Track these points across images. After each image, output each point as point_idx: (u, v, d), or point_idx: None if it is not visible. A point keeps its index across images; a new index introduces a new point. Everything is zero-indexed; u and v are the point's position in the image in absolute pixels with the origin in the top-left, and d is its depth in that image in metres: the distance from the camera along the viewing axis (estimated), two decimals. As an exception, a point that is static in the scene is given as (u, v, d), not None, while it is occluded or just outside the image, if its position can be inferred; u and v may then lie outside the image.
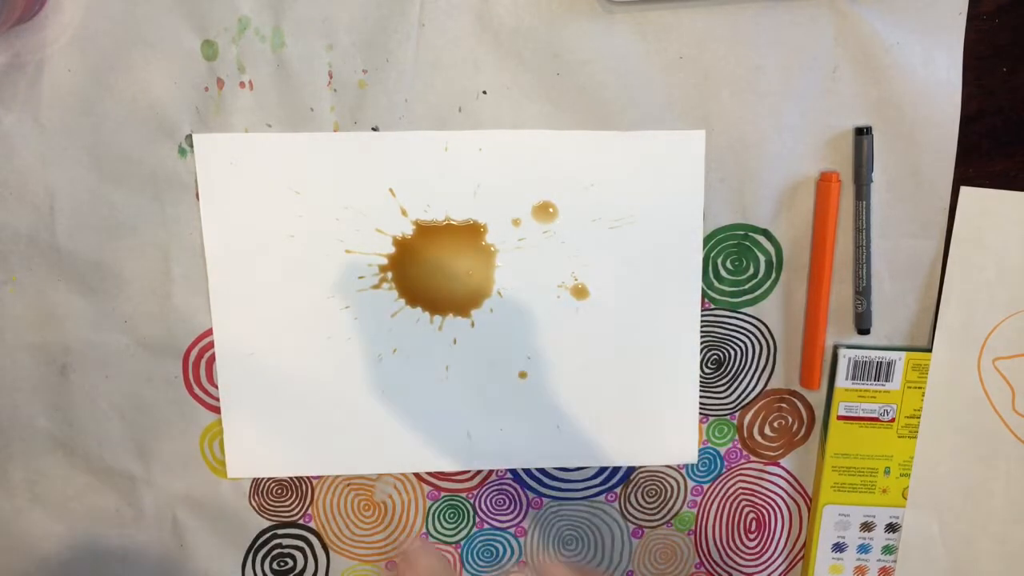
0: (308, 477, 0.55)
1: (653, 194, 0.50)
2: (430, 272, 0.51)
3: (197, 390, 0.53)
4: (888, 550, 0.56)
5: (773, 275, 0.52)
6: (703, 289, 0.52)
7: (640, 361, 0.53)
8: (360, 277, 0.51)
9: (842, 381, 0.53)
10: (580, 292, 0.52)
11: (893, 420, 0.54)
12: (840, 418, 0.54)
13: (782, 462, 0.56)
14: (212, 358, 0.52)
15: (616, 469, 0.55)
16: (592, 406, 0.54)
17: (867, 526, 0.56)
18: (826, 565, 0.57)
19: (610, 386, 0.53)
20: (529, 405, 0.54)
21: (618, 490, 0.56)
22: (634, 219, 0.51)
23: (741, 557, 0.58)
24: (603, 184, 0.50)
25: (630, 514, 0.56)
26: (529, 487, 0.56)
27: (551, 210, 0.51)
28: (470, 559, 0.57)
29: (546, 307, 0.52)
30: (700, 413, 0.54)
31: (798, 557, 0.58)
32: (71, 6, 0.47)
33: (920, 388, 0.53)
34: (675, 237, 0.51)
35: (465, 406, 0.54)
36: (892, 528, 0.56)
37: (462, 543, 0.57)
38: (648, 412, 0.54)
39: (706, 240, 0.51)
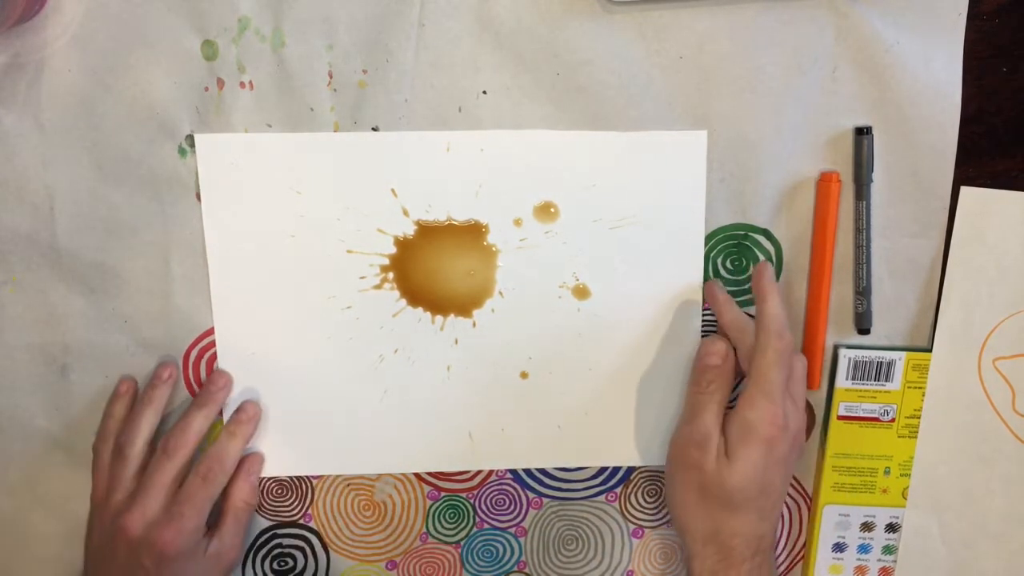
0: (308, 477, 0.55)
1: (655, 194, 0.50)
2: (431, 272, 0.51)
3: (197, 390, 0.53)
4: (888, 550, 0.56)
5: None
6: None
7: (642, 361, 0.53)
8: (361, 277, 0.51)
9: (842, 381, 0.53)
10: (582, 292, 0.52)
11: (893, 420, 0.54)
12: (840, 418, 0.54)
13: (782, 462, 0.56)
14: (212, 358, 0.52)
15: (616, 469, 0.55)
16: (594, 406, 0.54)
17: (867, 526, 0.56)
18: (826, 565, 0.57)
19: (612, 386, 0.53)
20: (531, 405, 0.54)
21: (618, 490, 0.56)
22: (636, 219, 0.51)
23: (741, 557, 0.58)
24: (605, 184, 0.50)
25: (630, 514, 0.56)
26: (529, 487, 0.56)
27: (552, 210, 0.51)
28: (470, 559, 0.57)
29: (548, 307, 0.52)
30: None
31: (798, 557, 0.58)
32: (71, 6, 0.47)
33: (920, 388, 0.53)
34: (677, 237, 0.51)
35: (467, 406, 0.54)
36: (892, 528, 0.56)
37: (462, 543, 0.57)
38: (650, 412, 0.54)
39: (706, 240, 0.51)
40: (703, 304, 0.52)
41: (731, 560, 0.47)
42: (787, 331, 0.47)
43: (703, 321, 0.52)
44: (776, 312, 0.47)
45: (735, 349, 0.49)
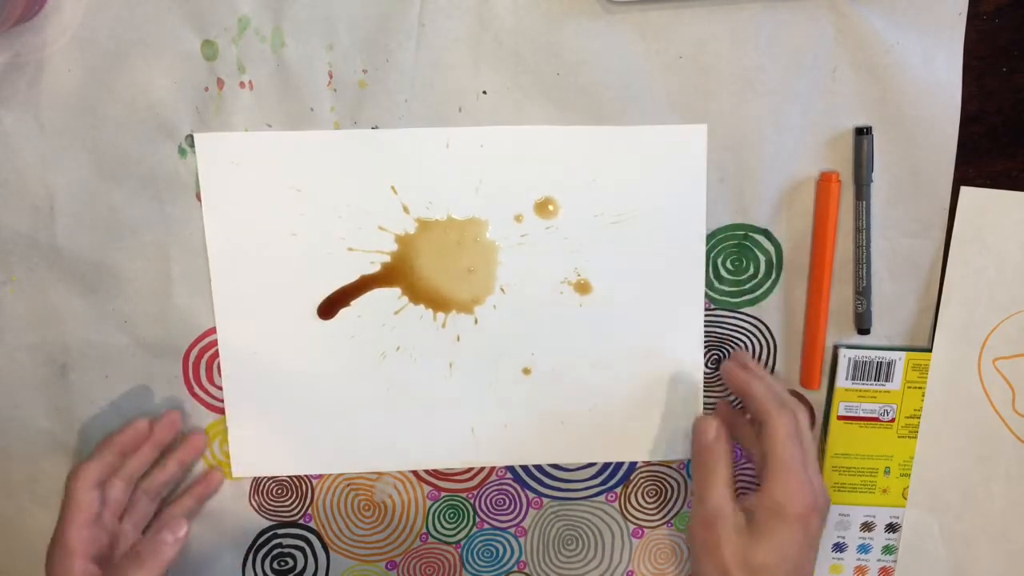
0: (308, 477, 0.55)
1: (655, 188, 0.50)
2: (433, 269, 0.51)
3: (197, 390, 0.53)
4: (888, 550, 0.56)
5: (773, 275, 0.52)
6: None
7: (644, 358, 0.53)
8: (362, 275, 0.51)
9: (842, 381, 0.53)
10: (583, 288, 0.52)
11: (893, 420, 0.54)
12: (840, 418, 0.54)
13: (782, 462, 0.56)
14: (212, 358, 0.52)
15: (616, 469, 0.55)
16: (596, 403, 0.54)
17: (867, 526, 0.56)
18: (826, 565, 0.57)
19: (615, 382, 0.53)
20: (534, 401, 0.53)
21: (618, 490, 0.56)
22: (636, 214, 0.51)
23: (741, 557, 0.58)
24: (605, 180, 0.50)
25: (630, 514, 0.56)
26: (529, 487, 0.56)
27: (553, 206, 0.51)
28: (470, 559, 0.57)
29: (550, 303, 0.52)
30: (703, 411, 0.54)
31: (798, 557, 0.58)
32: (71, 6, 0.47)
33: (920, 388, 0.53)
34: (678, 232, 0.51)
35: (469, 403, 0.53)
36: (892, 528, 0.56)
37: (462, 543, 0.57)
38: (654, 408, 0.54)
39: (706, 240, 0.51)
40: (704, 300, 0.52)
41: None
42: (784, 402, 0.47)
43: (705, 317, 0.52)
44: (763, 392, 0.47)
45: (761, 425, 0.47)
